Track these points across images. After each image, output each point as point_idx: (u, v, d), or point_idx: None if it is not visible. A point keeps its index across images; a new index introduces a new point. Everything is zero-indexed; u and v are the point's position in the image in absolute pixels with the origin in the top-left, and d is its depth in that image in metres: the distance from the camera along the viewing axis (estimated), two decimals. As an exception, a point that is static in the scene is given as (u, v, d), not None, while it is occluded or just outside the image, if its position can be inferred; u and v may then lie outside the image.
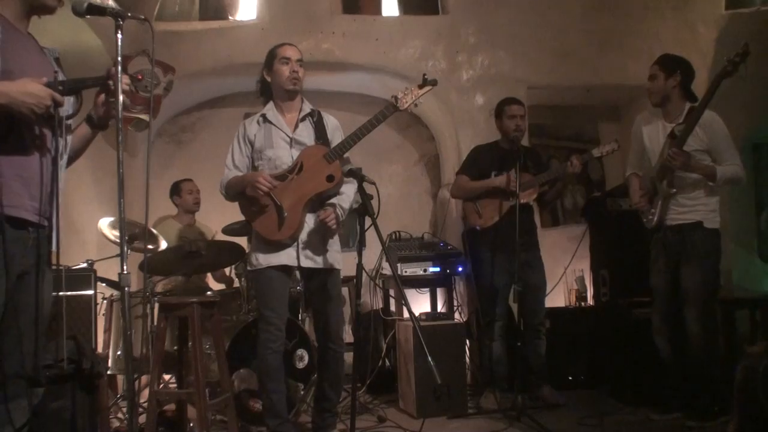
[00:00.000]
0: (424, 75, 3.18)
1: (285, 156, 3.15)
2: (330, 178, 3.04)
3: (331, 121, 3.29)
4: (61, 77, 2.03)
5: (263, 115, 3.22)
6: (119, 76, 1.97)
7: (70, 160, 2.20)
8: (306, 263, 3.11)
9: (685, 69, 3.54)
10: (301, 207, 3.06)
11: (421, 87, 3.14)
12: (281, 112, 3.23)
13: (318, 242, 3.13)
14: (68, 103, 2.07)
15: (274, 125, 3.19)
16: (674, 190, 3.45)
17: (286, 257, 3.10)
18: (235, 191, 3.16)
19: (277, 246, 3.08)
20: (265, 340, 3.06)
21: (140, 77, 2.26)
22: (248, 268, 3.21)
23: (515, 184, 3.78)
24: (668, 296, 3.51)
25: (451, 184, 5.13)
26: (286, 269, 3.13)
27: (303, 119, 3.22)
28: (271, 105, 3.24)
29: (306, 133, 3.20)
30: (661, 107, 3.56)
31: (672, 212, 3.48)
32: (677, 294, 3.45)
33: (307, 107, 3.27)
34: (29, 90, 1.87)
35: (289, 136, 3.18)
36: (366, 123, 3.08)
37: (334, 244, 3.22)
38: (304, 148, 3.15)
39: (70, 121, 2.12)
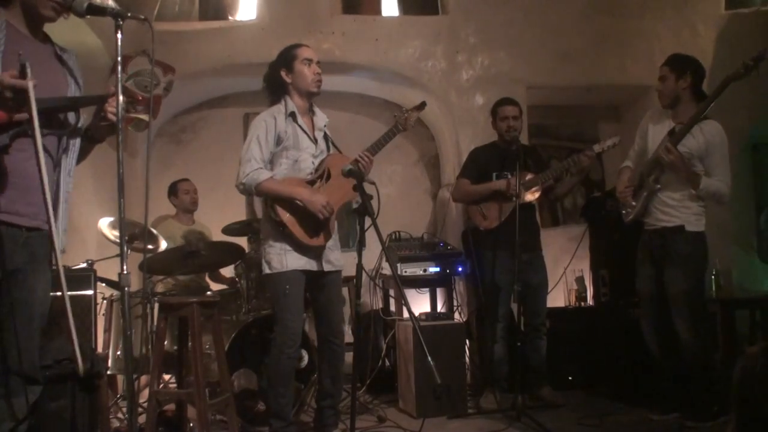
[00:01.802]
0: (424, 102, 3.44)
1: (307, 160, 3.17)
2: (356, 188, 3.05)
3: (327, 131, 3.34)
4: (72, 86, 2.09)
5: (292, 114, 3.16)
6: (119, 76, 1.98)
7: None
8: (327, 267, 3.19)
9: (696, 69, 3.50)
10: (333, 214, 3.14)
11: (418, 109, 3.36)
12: (300, 114, 3.20)
13: (332, 246, 3.22)
14: (70, 116, 2.10)
15: (300, 127, 3.17)
16: (659, 186, 3.43)
17: (308, 262, 3.13)
18: (276, 196, 3.07)
19: (306, 250, 3.11)
20: (281, 344, 3.06)
21: (140, 98, 2.27)
22: (267, 271, 3.13)
23: (515, 187, 3.78)
24: (655, 300, 3.52)
25: (451, 185, 5.14)
26: (304, 273, 3.15)
27: (321, 128, 3.26)
28: (292, 104, 3.18)
29: (323, 142, 3.26)
30: (672, 108, 3.52)
31: (654, 212, 3.48)
32: (664, 297, 3.45)
33: (322, 114, 3.29)
34: None
35: (315, 142, 3.20)
36: (379, 140, 3.22)
37: (337, 245, 3.29)
38: (326, 155, 3.21)
39: (79, 125, 2.14)
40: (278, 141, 3.12)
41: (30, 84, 1.81)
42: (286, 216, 3.07)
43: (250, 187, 3.06)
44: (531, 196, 4.00)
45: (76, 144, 2.17)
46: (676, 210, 3.43)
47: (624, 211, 3.62)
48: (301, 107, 3.21)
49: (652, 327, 3.55)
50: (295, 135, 3.14)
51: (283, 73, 3.18)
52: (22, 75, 1.82)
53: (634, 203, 3.55)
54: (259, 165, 3.06)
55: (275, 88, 3.22)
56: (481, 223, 4.09)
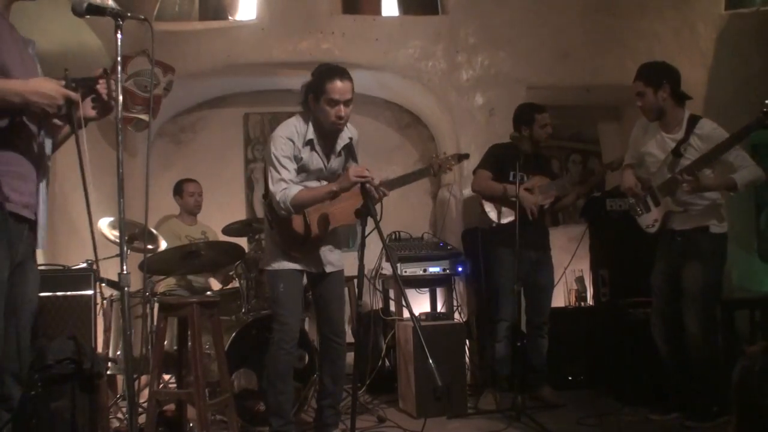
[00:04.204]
0: (467, 154, 3.64)
1: (314, 183, 3.14)
2: (358, 213, 3.03)
3: (353, 133, 3.23)
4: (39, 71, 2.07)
5: (311, 141, 3.09)
6: (119, 76, 1.98)
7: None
8: (329, 269, 3.21)
9: (671, 75, 3.43)
10: (325, 232, 3.14)
11: (458, 159, 3.46)
12: (320, 139, 3.13)
13: (331, 248, 3.24)
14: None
15: (317, 153, 3.13)
16: (682, 209, 3.38)
17: (303, 263, 3.15)
18: (313, 202, 3.04)
19: (290, 257, 3.13)
20: (279, 340, 3.08)
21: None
22: (266, 267, 3.19)
23: (534, 210, 3.93)
24: (668, 297, 3.50)
25: (451, 185, 5.15)
26: (302, 272, 3.19)
27: (341, 151, 3.18)
28: (312, 130, 3.10)
29: (338, 162, 3.20)
30: (659, 120, 3.48)
31: (677, 220, 3.45)
32: (677, 295, 3.44)
33: (346, 136, 3.18)
34: (43, 90, 1.89)
35: (325, 168, 3.15)
36: (405, 176, 3.32)
37: (337, 246, 3.30)
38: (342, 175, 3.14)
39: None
40: (295, 160, 3.10)
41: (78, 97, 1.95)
42: (281, 234, 3.11)
43: (288, 207, 2.98)
44: (544, 201, 4.09)
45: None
46: (699, 214, 3.39)
47: (645, 226, 3.57)
48: (323, 132, 3.12)
49: (662, 323, 3.53)
50: (309, 160, 3.11)
51: (310, 98, 3.07)
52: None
53: (656, 219, 3.49)
54: (286, 185, 3.00)
55: (304, 103, 3.13)
56: (494, 218, 4.09)
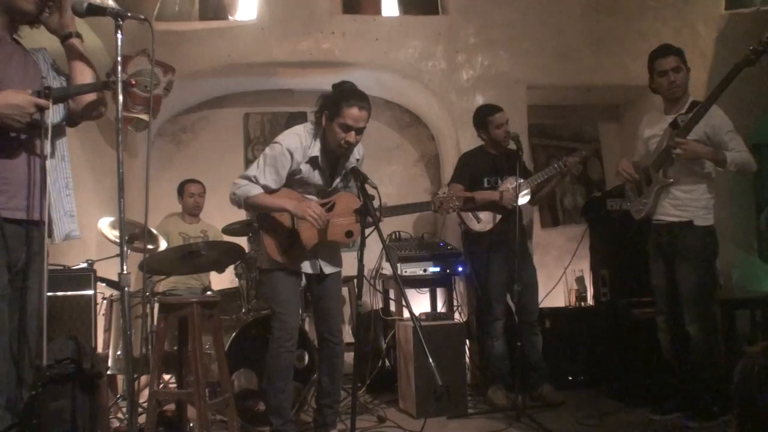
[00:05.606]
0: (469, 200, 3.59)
1: (313, 197, 3.15)
2: (349, 234, 3.09)
3: (360, 152, 3.22)
4: (53, 81, 2.09)
5: (314, 159, 3.07)
6: (119, 76, 1.98)
7: (81, 116, 2.22)
8: (327, 270, 3.21)
9: None
10: (313, 246, 3.13)
11: (460, 203, 3.36)
12: (325, 158, 3.11)
13: (333, 249, 3.24)
14: (57, 112, 2.10)
15: (319, 171, 3.12)
16: (671, 180, 3.38)
17: (300, 265, 3.15)
18: (264, 209, 3.06)
19: (285, 259, 3.13)
20: (279, 338, 3.09)
21: (133, 82, 2.26)
22: (263, 267, 3.19)
23: (510, 199, 3.87)
24: (669, 296, 3.50)
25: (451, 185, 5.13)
26: (299, 273, 3.19)
27: (345, 174, 3.16)
28: (318, 147, 3.08)
29: (342, 184, 3.21)
30: (678, 100, 3.48)
31: (664, 206, 3.45)
32: (678, 292, 3.44)
33: (353, 158, 3.16)
34: (12, 102, 1.90)
35: (327, 187, 3.14)
36: (404, 206, 3.39)
37: (336, 249, 3.29)
38: (340, 192, 3.18)
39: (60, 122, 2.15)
40: (292, 173, 3.08)
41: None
42: (264, 224, 3.12)
43: (239, 200, 3.03)
44: (522, 200, 4.04)
45: (56, 143, 2.17)
46: (684, 204, 3.40)
47: (634, 210, 3.59)
48: (330, 149, 3.10)
49: (666, 322, 3.53)
50: (309, 174, 3.09)
51: (324, 116, 3.03)
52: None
53: (644, 200, 3.50)
54: (253, 183, 3.02)
55: (318, 117, 3.10)
56: (474, 226, 4.09)
